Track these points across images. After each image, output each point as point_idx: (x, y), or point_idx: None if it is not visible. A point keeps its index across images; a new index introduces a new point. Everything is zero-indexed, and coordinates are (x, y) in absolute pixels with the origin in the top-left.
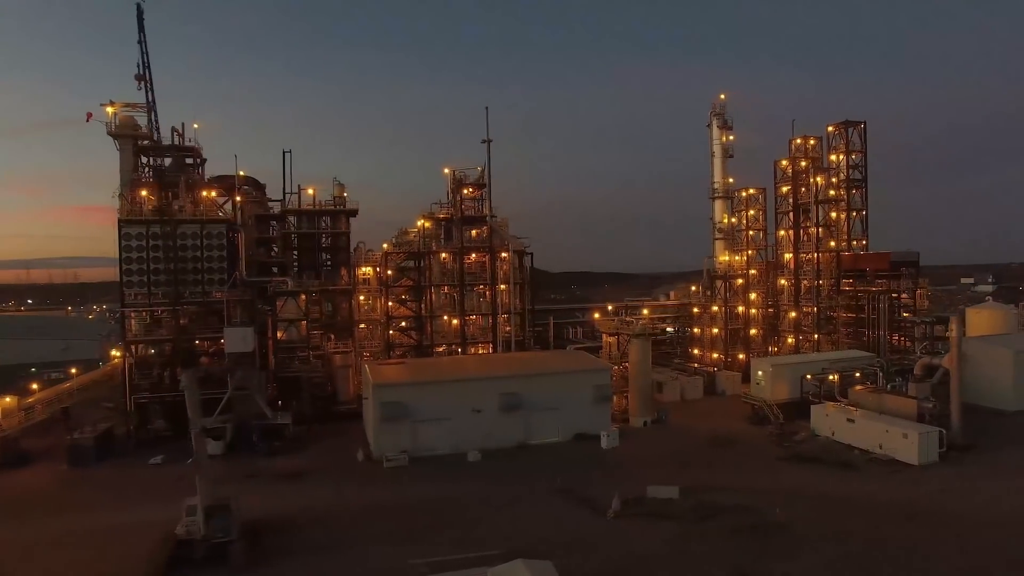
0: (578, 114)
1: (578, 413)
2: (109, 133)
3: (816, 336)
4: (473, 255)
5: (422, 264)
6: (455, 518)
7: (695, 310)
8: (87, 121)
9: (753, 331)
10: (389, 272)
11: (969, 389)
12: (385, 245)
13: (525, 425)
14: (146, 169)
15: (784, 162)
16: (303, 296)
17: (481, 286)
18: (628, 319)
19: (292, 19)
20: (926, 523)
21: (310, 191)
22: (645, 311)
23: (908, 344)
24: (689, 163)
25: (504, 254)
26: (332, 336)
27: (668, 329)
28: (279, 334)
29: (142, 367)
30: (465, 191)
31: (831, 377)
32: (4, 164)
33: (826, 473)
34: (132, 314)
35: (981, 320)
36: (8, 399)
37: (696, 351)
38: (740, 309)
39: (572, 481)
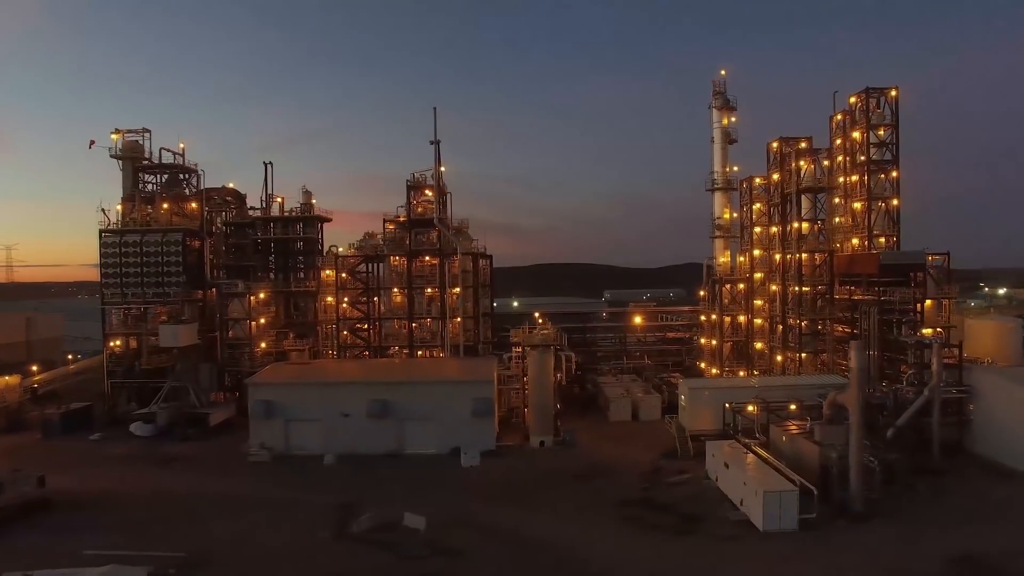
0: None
1: (456, 426)
2: (112, 156)
3: (801, 355)
4: (427, 258)
5: (371, 268)
6: (207, 516)
7: (702, 318)
8: (90, 147)
9: (759, 344)
10: (343, 275)
11: (980, 437)
12: (341, 249)
13: (398, 434)
14: (146, 186)
15: (775, 144)
16: (255, 297)
17: (432, 289)
18: (538, 328)
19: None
20: None
21: (279, 199)
22: (540, 322)
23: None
24: None
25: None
26: (290, 334)
27: (697, 339)
28: (229, 332)
29: (117, 356)
30: (426, 193)
31: (750, 408)
32: None
33: (642, 529)
34: (113, 311)
35: (984, 336)
36: (8, 378)
37: (703, 364)
38: (741, 318)
39: (377, 498)
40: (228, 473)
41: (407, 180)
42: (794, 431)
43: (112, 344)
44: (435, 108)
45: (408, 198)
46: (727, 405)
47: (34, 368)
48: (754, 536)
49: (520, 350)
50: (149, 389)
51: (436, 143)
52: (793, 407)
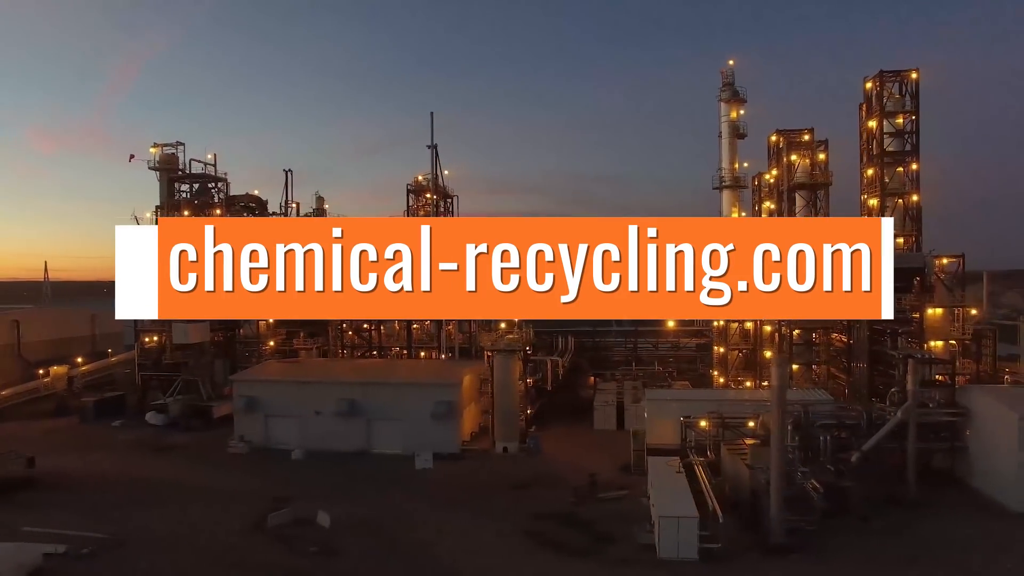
0: None
1: (420, 428)
2: (150, 168)
3: (795, 367)
4: None
5: None
6: (158, 501)
7: (714, 323)
8: (130, 161)
9: (768, 353)
10: None
11: (974, 468)
12: None
13: (367, 433)
14: (180, 195)
15: (773, 137)
16: None
17: None
18: (503, 331)
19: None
20: None
21: (294, 204)
22: (502, 326)
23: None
24: None
25: None
26: (301, 334)
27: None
28: (240, 331)
29: (146, 350)
30: (427, 196)
31: (702, 424)
32: None
33: (538, 545)
34: None
35: None
36: (57, 368)
37: (715, 372)
38: (748, 325)
39: (316, 494)
40: (206, 463)
41: (408, 184)
42: (734, 448)
43: (146, 339)
44: (432, 113)
45: (407, 202)
46: (681, 419)
47: (79, 360)
48: (648, 563)
49: (489, 355)
50: (171, 381)
51: (433, 147)
52: (751, 424)
